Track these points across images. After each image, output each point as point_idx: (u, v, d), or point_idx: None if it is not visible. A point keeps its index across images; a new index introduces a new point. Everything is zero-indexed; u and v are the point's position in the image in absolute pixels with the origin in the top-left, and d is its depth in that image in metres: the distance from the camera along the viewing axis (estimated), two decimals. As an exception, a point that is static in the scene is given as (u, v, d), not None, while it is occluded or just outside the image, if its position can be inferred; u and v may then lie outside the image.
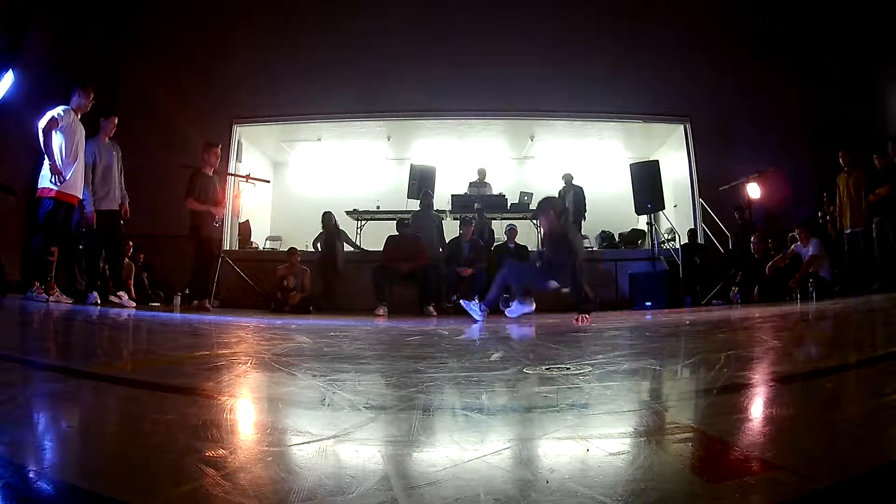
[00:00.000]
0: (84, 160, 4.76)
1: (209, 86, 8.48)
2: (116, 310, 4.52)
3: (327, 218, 7.34)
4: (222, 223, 7.78)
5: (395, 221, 7.00)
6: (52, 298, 4.43)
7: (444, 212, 8.16)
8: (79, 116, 4.70)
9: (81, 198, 4.75)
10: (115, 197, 5.11)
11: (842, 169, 6.37)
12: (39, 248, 4.56)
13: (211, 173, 5.63)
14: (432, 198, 7.58)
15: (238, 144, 8.80)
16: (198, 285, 5.69)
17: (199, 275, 5.66)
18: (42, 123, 4.40)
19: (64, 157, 4.51)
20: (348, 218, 8.33)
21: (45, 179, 4.49)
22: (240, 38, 8.63)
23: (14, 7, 6.21)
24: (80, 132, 4.72)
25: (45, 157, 4.43)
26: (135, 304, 5.24)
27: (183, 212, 5.68)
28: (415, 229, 6.97)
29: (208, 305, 5.43)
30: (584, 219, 8.77)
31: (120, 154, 5.25)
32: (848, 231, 6.25)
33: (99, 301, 4.80)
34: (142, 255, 7.34)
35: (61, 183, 4.45)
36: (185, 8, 8.73)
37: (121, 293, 5.05)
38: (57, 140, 4.46)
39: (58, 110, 4.48)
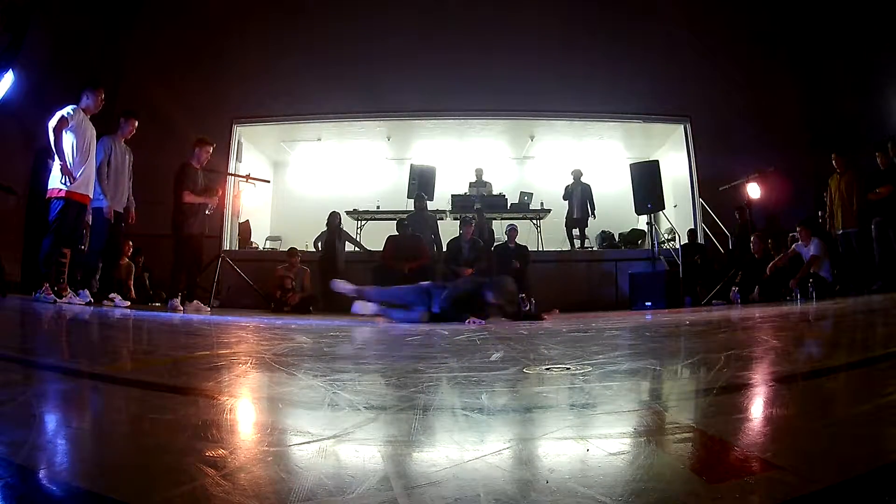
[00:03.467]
0: (96, 158, 4.72)
1: (209, 86, 8.48)
2: (114, 310, 4.52)
3: (331, 218, 7.34)
4: (222, 219, 7.81)
5: (395, 221, 7.00)
6: (64, 300, 4.37)
7: (444, 212, 8.17)
8: (88, 116, 4.65)
9: (91, 197, 4.70)
10: (122, 199, 5.08)
11: (834, 171, 6.40)
12: (50, 250, 4.46)
13: (199, 168, 5.52)
14: (426, 199, 7.59)
15: (238, 144, 8.80)
16: (174, 283, 5.48)
17: (175, 272, 5.45)
18: (52, 123, 4.34)
19: (75, 156, 4.45)
20: (348, 218, 8.34)
21: (55, 180, 4.44)
22: (240, 38, 8.63)
23: (14, 7, 6.21)
24: (91, 131, 4.68)
25: (56, 157, 4.37)
26: (129, 304, 5.17)
27: (167, 207, 5.51)
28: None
29: (177, 304, 5.21)
30: (594, 217, 8.78)
31: (132, 159, 5.22)
32: (840, 232, 6.27)
33: (92, 300, 4.79)
34: (142, 257, 7.34)
35: (72, 183, 4.40)
36: (186, 8, 8.73)
37: (113, 295, 5.01)
38: (68, 139, 4.41)
39: (67, 109, 4.43)
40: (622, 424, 1.00)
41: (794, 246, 6.45)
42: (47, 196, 4.55)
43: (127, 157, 5.15)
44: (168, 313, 4.75)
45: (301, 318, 5.11)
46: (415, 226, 7.16)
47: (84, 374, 1.53)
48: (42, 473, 0.70)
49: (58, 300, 4.37)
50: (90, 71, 7.72)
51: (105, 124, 5.22)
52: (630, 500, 0.63)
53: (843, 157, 6.38)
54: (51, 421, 1.05)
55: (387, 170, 10.61)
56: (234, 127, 8.62)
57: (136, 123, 5.16)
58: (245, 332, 3.24)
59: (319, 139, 10.14)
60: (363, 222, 8.66)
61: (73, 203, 4.48)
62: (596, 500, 0.62)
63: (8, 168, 6.28)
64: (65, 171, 4.35)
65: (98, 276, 5.32)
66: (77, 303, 4.48)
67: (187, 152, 5.61)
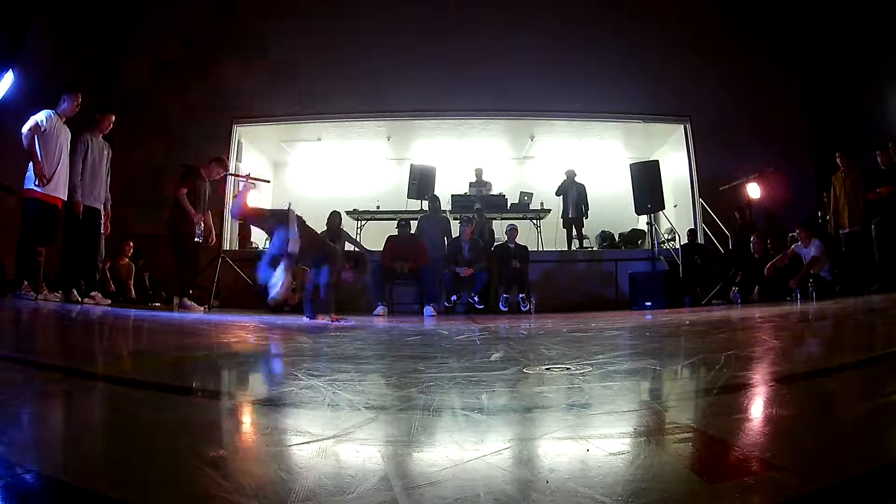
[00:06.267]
0: (68, 159, 4.80)
1: (209, 86, 8.47)
2: (109, 309, 4.53)
3: (332, 217, 7.34)
4: (222, 219, 7.81)
5: (395, 221, 7.00)
6: (40, 297, 4.45)
7: (444, 212, 8.16)
8: (63, 120, 4.76)
9: (64, 199, 4.77)
10: (99, 195, 5.11)
11: (838, 170, 6.39)
12: (26, 248, 4.63)
13: (206, 180, 5.58)
14: (439, 201, 7.58)
15: (238, 144, 8.79)
16: (180, 282, 5.49)
17: (179, 270, 5.47)
18: (25, 128, 4.49)
19: (47, 160, 4.56)
20: (348, 218, 8.33)
21: (29, 181, 4.58)
22: (240, 38, 8.63)
23: (14, 7, 6.21)
24: (65, 136, 4.78)
25: (30, 160, 4.53)
26: (109, 302, 5.18)
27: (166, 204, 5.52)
28: (421, 232, 6.97)
29: (189, 303, 5.24)
30: (587, 216, 8.78)
31: (110, 155, 5.24)
32: (845, 231, 6.26)
33: (80, 298, 4.81)
34: (143, 257, 7.34)
35: (45, 185, 4.53)
36: (186, 8, 8.73)
37: (94, 293, 5.02)
38: (40, 144, 4.52)
39: (41, 116, 4.55)
40: (622, 424, 1.00)
41: (793, 246, 6.45)
42: (23, 196, 4.69)
43: (105, 152, 5.18)
44: (166, 312, 4.76)
45: (301, 317, 5.10)
46: (425, 226, 7.15)
47: (84, 374, 1.53)
48: (42, 473, 0.70)
49: (37, 297, 4.44)
50: (89, 71, 7.74)
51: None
52: (630, 500, 0.63)
53: (848, 155, 6.36)
54: (51, 421, 1.05)
55: (387, 170, 10.59)
56: (234, 127, 8.60)
57: (113, 118, 5.20)
58: (245, 332, 3.25)
59: (319, 139, 10.13)
60: (363, 222, 8.66)
61: (46, 204, 4.61)
62: (596, 500, 0.62)
63: (8, 168, 6.28)
64: (38, 174, 4.49)
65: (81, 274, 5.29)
66: (53, 299, 4.55)
67: (202, 163, 5.68)
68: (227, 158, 5.82)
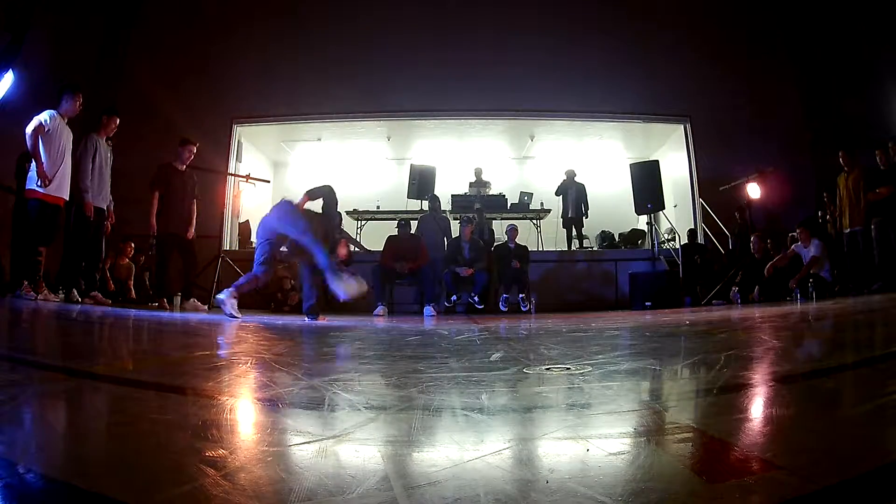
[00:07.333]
0: (70, 159, 4.81)
1: (209, 86, 8.47)
2: (108, 309, 4.54)
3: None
4: (222, 219, 7.81)
5: (395, 221, 7.00)
6: (40, 297, 4.46)
7: (444, 212, 8.17)
8: (66, 121, 4.77)
9: (66, 199, 4.79)
10: (105, 196, 5.15)
11: (842, 169, 6.38)
12: (27, 248, 4.65)
13: (183, 168, 5.53)
14: (439, 201, 7.58)
15: (238, 144, 8.80)
16: (158, 282, 5.49)
17: (158, 271, 5.50)
18: (29, 129, 4.50)
19: (50, 160, 4.58)
20: (348, 218, 8.33)
21: (31, 181, 4.59)
22: (240, 38, 8.64)
23: (14, 7, 6.21)
24: (67, 136, 4.79)
25: (33, 160, 4.54)
26: (110, 302, 5.21)
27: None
28: (420, 232, 6.97)
29: (167, 305, 5.24)
30: (587, 216, 8.78)
31: (112, 157, 5.27)
32: (847, 231, 6.26)
33: (80, 298, 4.82)
34: (143, 257, 7.34)
35: (47, 186, 4.54)
36: (186, 8, 8.73)
37: (95, 293, 5.07)
38: (43, 144, 4.54)
39: (44, 116, 4.56)
40: (622, 424, 1.00)
41: (793, 247, 6.45)
42: (24, 196, 4.72)
43: (109, 154, 5.23)
44: (165, 313, 4.76)
45: (301, 317, 5.10)
46: (425, 227, 7.15)
47: (84, 374, 1.53)
48: (42, 473, 0.70)
49: (37, 297, 4.45)
50: (89, 71, 7.74)
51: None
52: (630, 500, 0.63)
53: (850, 154, 6.35)
54: (51, 421, 1.05)
55: (387, 170, 10.60)
56: (234, 127, 8.61)
57: (118, 121, 5.23)
58: (245, 332, 3.24)
59: (319, 139, 10.13)
60: (363, 222, 8.66)
61: (48, 205, 4.63)
62: (596, 500, 0.62)
63: (8, 168, 6.28)
64: (40, 174, 4.50)
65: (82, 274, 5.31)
66: (53, 300, 4.56)
67: (174, 154, 5.63)
68: (194, 145, 5.67)
